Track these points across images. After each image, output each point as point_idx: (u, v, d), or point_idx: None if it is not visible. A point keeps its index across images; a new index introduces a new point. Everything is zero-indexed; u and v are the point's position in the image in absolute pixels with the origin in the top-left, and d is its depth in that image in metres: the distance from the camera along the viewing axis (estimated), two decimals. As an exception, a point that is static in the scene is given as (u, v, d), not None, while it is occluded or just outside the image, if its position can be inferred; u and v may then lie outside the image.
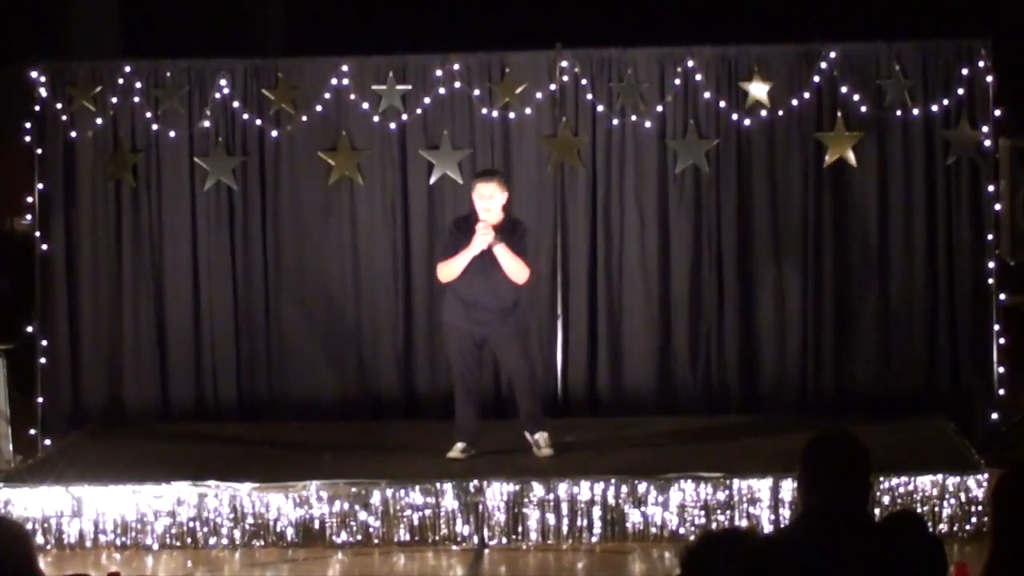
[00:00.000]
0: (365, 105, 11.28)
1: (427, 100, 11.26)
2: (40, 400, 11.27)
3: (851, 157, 11.09)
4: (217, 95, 11.31)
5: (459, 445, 9.90)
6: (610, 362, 11.35)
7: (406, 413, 11.42)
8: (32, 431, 11.18)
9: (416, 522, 9.39)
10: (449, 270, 9.81)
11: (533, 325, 10.59)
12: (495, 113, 11.27)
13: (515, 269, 9.74)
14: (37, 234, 11.39)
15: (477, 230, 9.65)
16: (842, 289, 11.23)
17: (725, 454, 9.91)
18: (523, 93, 11.21)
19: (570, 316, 11.36)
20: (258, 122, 11.33)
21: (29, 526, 9.06)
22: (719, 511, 9.31)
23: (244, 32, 16.16)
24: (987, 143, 11.02)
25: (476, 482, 9.40)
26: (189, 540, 9.47)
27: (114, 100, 11.31)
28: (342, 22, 14.91)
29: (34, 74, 11.33)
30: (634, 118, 11.20)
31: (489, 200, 9.72)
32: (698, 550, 4.72)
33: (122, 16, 15.28)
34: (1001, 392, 11.00)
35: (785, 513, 9.21)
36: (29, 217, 11.54)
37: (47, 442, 11.12)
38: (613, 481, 9.37)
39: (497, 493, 9.38)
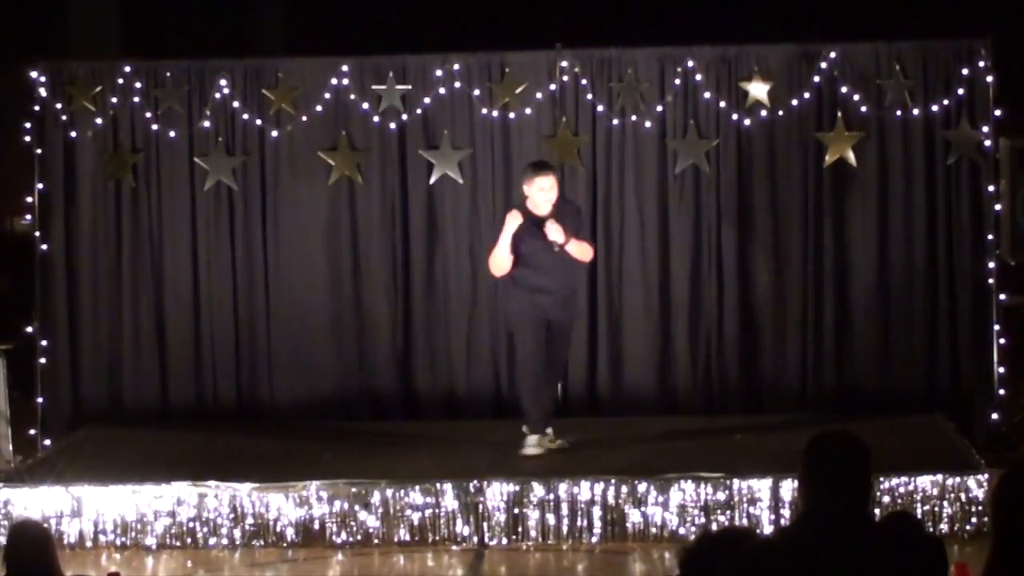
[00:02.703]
0: (365, 105, 11.28)
1: (427, 100, 11.26)
2: (40, 400, 11.27)
3: (851, 157, 11.09)
4: (217, 95, 11.31)
5: (533, 439, 9.86)
6: (610, 362, 11.35)
7: (406, 413, 11.42)
8: (32, 431, 11.18)
9: (416, 522, 9.39)
10: (502, 261, 9.74)
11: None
12: (495, 113, 11.27)
13: (584, 253, 9.92)
14: (37, 234, 11.39)
15: (548, 229, 9.64)
16: (842, 289, 11.23)
17: (725, 454, 9.90)
18: (523, 93, 11.21)
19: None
20: (258, 122, 11.33)
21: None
22: (719, 511, 9.30)
23: (244, 32, 16.18)
24: (987, 143, 11.02)
25: (476, 482, 9.40)
26: (189, 540, 9.47)
27: (114, 100, 11.31)
28: (342, 22, 14.92)
29: (34, 74, 11.33)
30: (634, 118, 11.20)
31: (550, 192, 9.77)
32: (696, 551, 4.72)
33: (122, 16, 15.28)
34: (1001, 392, 11.00)
35: (785, 513, 9.20)
36: (29, 217, 11.54)
37: (47, 442, 11.12)
38: (613, 481, 9.36)
39: (497, 493, 9.38)
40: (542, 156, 11.23)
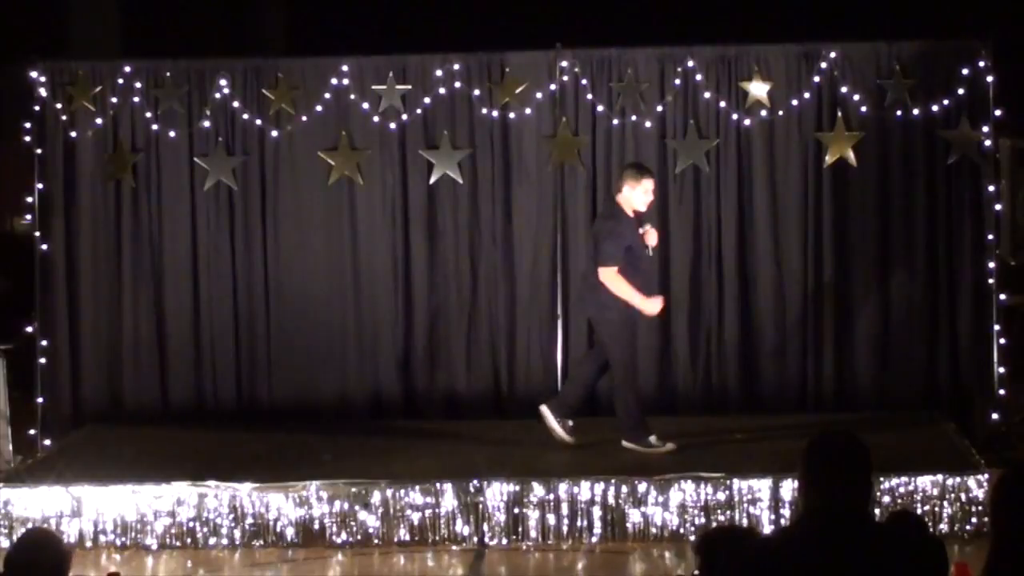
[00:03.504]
0: (365, 105, 11.28)
1: (427, 100, 11.26)
2: (40, 400, 11.28)
3: (851, 157, 11.09)
4: (217, 95, 11.31)
5: (652, 439, 9.94)
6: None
7: (406, 413, 11.41)
8: (32, 431, 11.18)
9: (416, 522, 9.39)
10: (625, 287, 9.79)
11: None
12: (495, 113, 11.28)
13: None
14: (37, 234, 11.39)
15: (652, 232, 9.86)
16: (842, 289, 11.23)
17: (725, 454, 9.90)
18: (523, 93, 11.21)
19: (570, 316, 11.35)
20: (258, 122, 11.33)
21: (29, 526, 9.02)
22: (719, 511, 9.30)
23: (244, 32, 16.17)
24: (987, 143, 11.02)
25: (476, 482, 9.40)
26: (189, 540, 9.47)
27: (114, 100, 11.32)
28: (342, 22, 14.91)
29: (34, 74, 11.34)
30: (634, 118, 11.21)
31: (652, 195, 9.97)
32: (716, 538, 4.73)
33: (122, 16, 15.28)
34: (1001, 392, 11.00)
35: (785, 513, 9.20)
36: (29, 217, 11.55)
37: (47, 442, 11.12)
38: (613, 481, 9.36)
39: (497, 493, 9.38)
40: (544, 156, 11.27)
